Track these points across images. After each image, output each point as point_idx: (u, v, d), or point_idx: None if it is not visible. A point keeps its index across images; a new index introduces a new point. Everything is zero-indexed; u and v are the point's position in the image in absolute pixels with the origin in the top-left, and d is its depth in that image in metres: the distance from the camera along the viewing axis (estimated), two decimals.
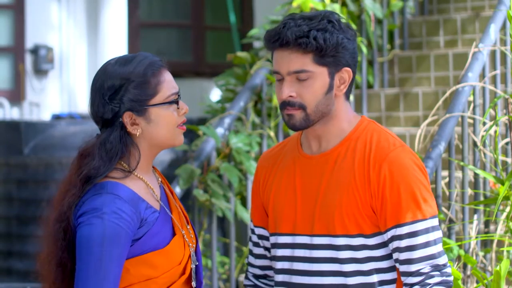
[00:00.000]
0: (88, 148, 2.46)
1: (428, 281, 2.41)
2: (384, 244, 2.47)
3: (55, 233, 2.43)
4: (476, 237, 3.86)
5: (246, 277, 2.76)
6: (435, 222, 2.45)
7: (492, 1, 6.39)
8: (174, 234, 2.47)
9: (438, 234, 2.45)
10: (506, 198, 3.57)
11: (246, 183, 4.77)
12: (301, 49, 2.44)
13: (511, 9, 3.56)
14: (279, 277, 2.57)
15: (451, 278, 2.44)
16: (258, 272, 2.73)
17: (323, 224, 2.48)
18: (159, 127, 2.46)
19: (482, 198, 4.06)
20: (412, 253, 2.42)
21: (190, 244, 2.51)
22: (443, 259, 2.45)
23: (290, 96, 2.47)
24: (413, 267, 2.42)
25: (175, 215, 2.51)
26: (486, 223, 4.10)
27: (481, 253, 3.95)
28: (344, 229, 2.46)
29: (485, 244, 3.99)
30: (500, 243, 3.95)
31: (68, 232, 2.41)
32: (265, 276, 2.73)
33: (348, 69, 2.49)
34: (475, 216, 3.95)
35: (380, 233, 2.46)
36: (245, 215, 4.69)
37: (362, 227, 2.45)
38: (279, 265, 2.57)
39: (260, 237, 2.69)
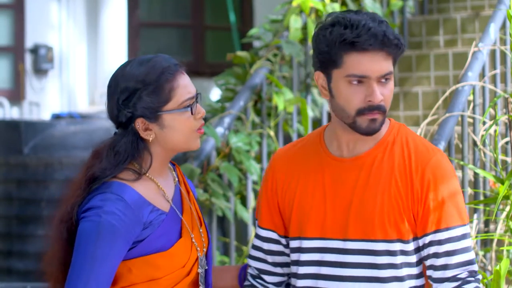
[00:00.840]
0: (100, 148, 2.46)
1: (464, 286, 2.41)
2: (418, 250, 2.46)
3: (59, 233, 2.44)
4: (476, 237, 3.86)
5: (245, 277, 2.73)
6: (469, 229, 2.46)
7: (492, 1, 6.39)
8: (180, 236, 2.46)
9: (471, 241, 2.48)
10: (506, 197, 3.57)
11: (246, 183, 4.76)
12: (389, 51, 2.41)
13: (511, 9, 3.56)
14: (302, 282, 2.53)
15: (481, 285, 2.45)
16: (255, 272, 2.69)
17: (360, 229, 2.45)
18: (173, 132, 2.44)
19: (482, 198, 4.06)
20: (451, 258, 2.41)
21: (198, 249, 2.49)
22: (476, 266, 2.45)
23: (382, 99, 2.42)
24: (450, 273, 2.41)
25: (186, 217, 2.49)
26: (486, 223, 4.10)
27: (481, 253, 3.94)
28: (384, 234, 2.43)
29: (485, 244, 3.99)
30: (500, 243, 3.95)
31: (71, 232, 2.42)
32: (260, 277, 2.68)
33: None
34: (475, 216, 3.95)
35: (416, 239, 2.45)
36: (245, 214, 4.69)
37: (402, 232, 2.43)
38: (303, 270, 2.53)
39: (267, 240, 2.64)
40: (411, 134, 2.51)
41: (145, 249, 2.40)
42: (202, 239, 2.54)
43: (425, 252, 2.45)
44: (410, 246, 2.45)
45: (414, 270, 2.46)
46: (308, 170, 2.54)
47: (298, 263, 2.55)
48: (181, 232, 2.46)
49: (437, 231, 2.41)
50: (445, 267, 2.41)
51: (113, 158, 2.42)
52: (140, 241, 2.40)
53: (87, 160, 2.47)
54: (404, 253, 2.44)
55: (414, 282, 2.46)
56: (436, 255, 2.42)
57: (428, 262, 2.44)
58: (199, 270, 2.49)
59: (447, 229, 2.41)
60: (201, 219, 2.58)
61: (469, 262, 2.43)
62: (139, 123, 2.43)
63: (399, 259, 2.44)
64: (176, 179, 2.56)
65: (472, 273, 2.43)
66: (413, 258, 2.46)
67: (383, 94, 2.41)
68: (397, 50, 2.42)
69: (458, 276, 2.41)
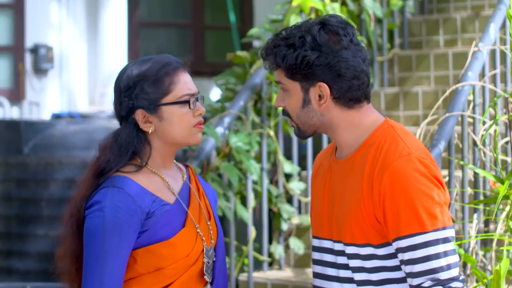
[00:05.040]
0: (105, 143, 2.56)
1: None
2: (395, 255, 2.41)
3: (70, 227, 2.51)
4: (476, 236, 3.86)
5: None
6: (440, 234, 2.35)
7: (492, 0, 6.39)
8: (184, 226, 2.51)
9: (443, 247, 2.34)
10: (506, 197, 3.57)
11: (246, 183, 4.76)
12: (266, 62, 2.49)
13: (511, 8, 3.56)
14: (315, 281, 2.56)
15: None
16: None
17: (338, 231, 2.46)
18: (172, 125, 2.52)
19: (482, 197, 4.06)
20: (413, 267, 2.35)
21: (204, 238, 2.55)
22: (447, 274, 2.34)
23: (281, 105, 2.52)
24: (415, 281, 2.35)
25: (193, 210, 2.55)
26: (486, 222, 4.10)
27: (481, 252, 3.94)
28: (352, 238, 2.42)
29: (485, 243, 3.99)
30: (500, 242, 3.95)
31: (81, 225, 2.49)
32: None
33: (323, 84, 2.43)
34: (475, 215, 3.95)
35: (389, 243, 2.40)
36: (245, 214, 4.69)
37: (368, 237, 2.40)
38: (314, 268, 2.57)
39: None
40: (393, 135, 2.44)
41: (149, 239, 2.46)
42: (210, 232, 2.59)
43: (398, 258, 2.41)
44: (383, 251, 2.41)
45: (396, 275, 2.42)
46: (323, 170, 2.60)
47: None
48: (185, 223, 2.52)
49: (398, 238, 2.36)
50: (410, 275, 2.36)
51: (116, 149, 2.51)
52: (144, 231, 2.45)
53: (95, 156, 2.55)
54: (376, 257, 2.41)
55: (397, 287, 2.42)
56: (403, 262, 2.38)
57: (402, 268, 2.40)
58: (205, 260, 2.53)
59: (406, 237, 2.34)
60: (210, 213, 2.63)
61: (433, 271, 2.33)
62: (139, 114, 2.51)
63: (370, 263, 2.41)
64: (185, 176, 2.62)
65: (440, 282, 2.33)
66: (390, 263, 2.41)
67: (280, 99, 2.51)
68: (273, 65, 2.48)
69: (422, 285, 2.34)
